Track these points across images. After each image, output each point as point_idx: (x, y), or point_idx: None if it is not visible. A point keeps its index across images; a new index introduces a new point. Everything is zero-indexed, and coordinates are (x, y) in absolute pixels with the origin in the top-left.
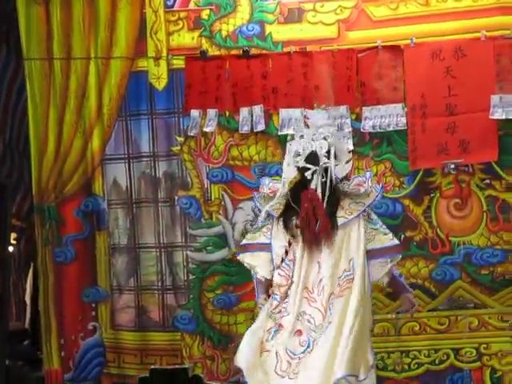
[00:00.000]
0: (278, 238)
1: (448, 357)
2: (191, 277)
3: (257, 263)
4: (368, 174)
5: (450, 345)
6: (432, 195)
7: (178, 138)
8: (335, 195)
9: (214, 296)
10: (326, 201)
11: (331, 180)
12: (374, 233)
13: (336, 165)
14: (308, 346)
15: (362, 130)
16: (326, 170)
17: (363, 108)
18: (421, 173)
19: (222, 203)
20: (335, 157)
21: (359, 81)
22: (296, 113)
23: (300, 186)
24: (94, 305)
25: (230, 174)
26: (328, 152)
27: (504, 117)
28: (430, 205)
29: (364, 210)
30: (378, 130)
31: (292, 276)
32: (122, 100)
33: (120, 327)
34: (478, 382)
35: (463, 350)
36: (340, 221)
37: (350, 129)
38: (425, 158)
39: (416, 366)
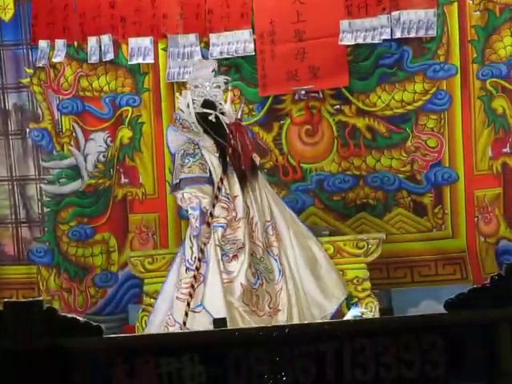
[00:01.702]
0: (216, 173)
1: None
2: (45, 209)
3: (204, 195)
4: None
5: None
6: (282, 122)
7: (27, 69)
8: None
9: (68, 228)
10: None
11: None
12: None
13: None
14: (258, 278)
15: (209, 56)
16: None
17: (210, 35)
18: (270, 100)
19: (74, 135)
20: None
21: (207, 8)
22: (145, 42)
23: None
24: None
25: (81, 105)
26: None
27: (353, 42)
28: (281, 132)
29: None
30: (226, 56)
31: (234, 209)
32: None
33: None
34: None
35: None
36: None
37: (200, 57)
38: (275, 84)
39: None
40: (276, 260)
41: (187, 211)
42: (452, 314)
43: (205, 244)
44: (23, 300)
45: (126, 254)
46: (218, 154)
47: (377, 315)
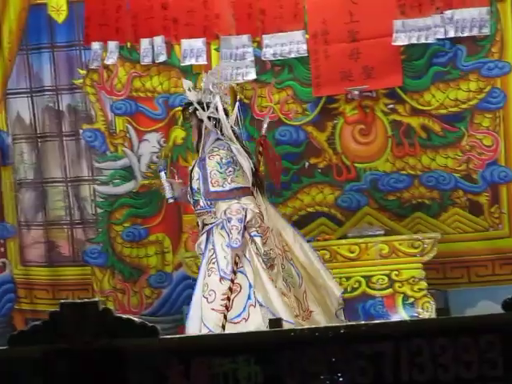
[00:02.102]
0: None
1: (360, 284)
2: (99, 210)
3: (253, 207)
4: None
5: (362, 272)
6: (336, 121)
7: (80, 70)
8: None
9: (122, 229)
10: None
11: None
12: None
13: None
14: (287, 285)
15: (262, 58)
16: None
17: (263, 36)
18: (323, 99)
19: (127, 135)
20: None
21: (259, 8)
22: (198, 43)
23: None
24: (2, 241)
25: (134, 105)
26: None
27: (407, 42)
28: (334, 131)
29: None
30: (279, 58)
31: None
32: (22, 33)
33: (30, 263)
34: (390, 309)
35: (375, 278)
36: None
37: (252, 58)
38: (329, 84)
39: None
40: (292, 264)
41: (229, 221)
42: (510, 314)
43: (239, 256)
44: (79, 301)
45: (180, 254)
46: (251, 163)
47: (433, 315)
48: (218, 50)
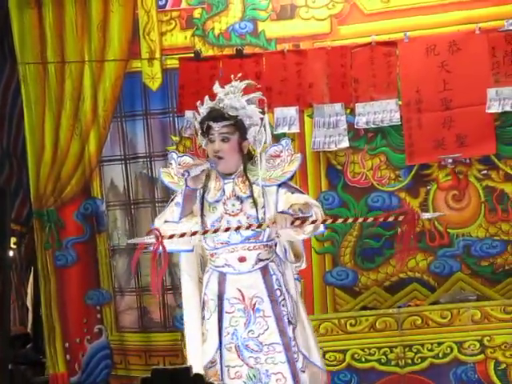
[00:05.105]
0: None
1: (451, 350)
2: None
3: None
4: None
5: (454, 338)
6: (429, 187)
7: (173, 137)
8: None
9: None
10: None
11: None
12: None
13: None
14: None
15: (356, 126)
16: None
17: (357, 104)
18: (417, 165)
19: None
20: None
21: (353, 77)
22: (291, 111)
23: None
24: (98, 307)
25: None
26: None
27: (501, 110)
28: (427, 197)
29: None
30: (372, 126)
31: None
32: (117, 101)
33: (124, 329)
34: (482, 375)
35: (466, 343)
36: None
37: (345, 126)
38: (422, 153)
39: (419, 360)
40: None
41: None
42: None
43: None
44: (171, 367)
45: None
46: None
47: None
48: (311, 116)
